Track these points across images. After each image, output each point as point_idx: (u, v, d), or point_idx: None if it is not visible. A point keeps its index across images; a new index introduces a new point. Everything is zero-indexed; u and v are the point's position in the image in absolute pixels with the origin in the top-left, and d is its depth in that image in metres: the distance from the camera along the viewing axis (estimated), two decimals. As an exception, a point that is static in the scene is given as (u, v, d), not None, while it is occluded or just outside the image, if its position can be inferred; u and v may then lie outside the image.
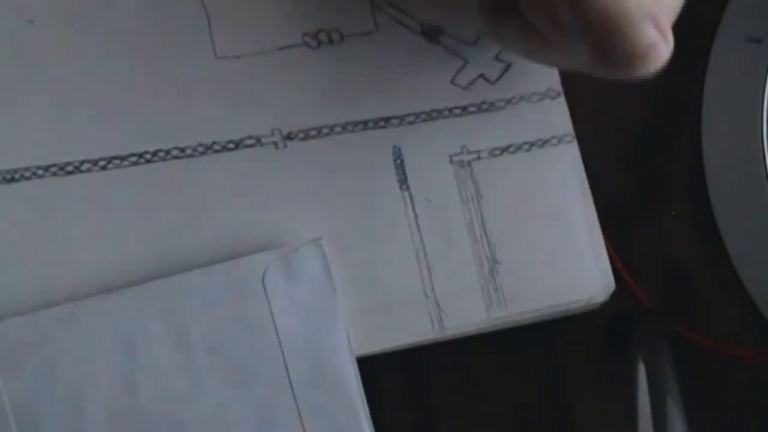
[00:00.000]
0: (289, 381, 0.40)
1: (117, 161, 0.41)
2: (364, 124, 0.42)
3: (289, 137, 0.42)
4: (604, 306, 0.43)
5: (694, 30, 0.46)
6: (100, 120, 0.41)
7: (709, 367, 0.45)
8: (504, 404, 0.43)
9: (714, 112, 0.46)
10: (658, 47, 0.34)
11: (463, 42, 0.43)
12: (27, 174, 0.40)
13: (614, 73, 0.35)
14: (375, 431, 0.40)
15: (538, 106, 0.43)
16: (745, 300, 0.45)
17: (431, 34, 0.43)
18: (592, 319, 0.44)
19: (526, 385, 0.44)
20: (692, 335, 0.44)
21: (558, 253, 0.42)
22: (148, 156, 0.41)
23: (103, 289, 0.39)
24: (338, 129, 0.42)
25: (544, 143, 0.43)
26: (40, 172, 0.40)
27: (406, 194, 0.42)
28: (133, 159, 0.41)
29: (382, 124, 0.43)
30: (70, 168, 0.40)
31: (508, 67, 0.44)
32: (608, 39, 0.34)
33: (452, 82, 0.43)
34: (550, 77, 0.44)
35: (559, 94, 0.44)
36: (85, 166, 0.40)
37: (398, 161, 0.42)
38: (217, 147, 0.41)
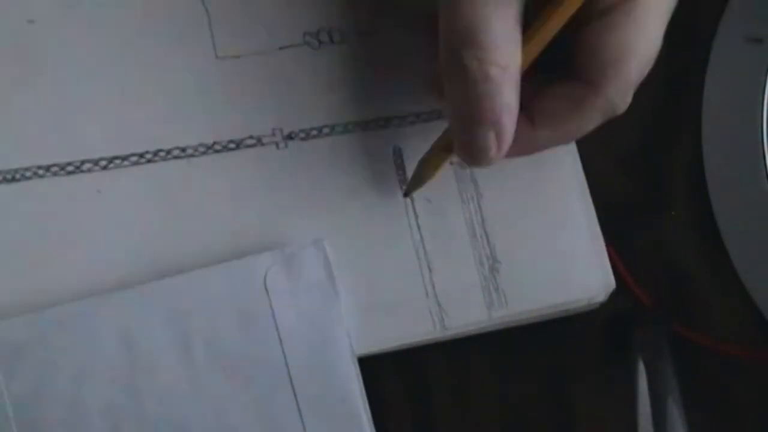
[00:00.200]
0: (290, 381, 0.40)
1: (118, 161, 0.41)
2: (365, 124, 0.43)
3: (290, 137, 0.42)
4: (604, 306, 0.43)
5: (694, 30, 0.47)
6: (101, 120, 0.41)
7: (709, 367, 0.45)
8: (504, 404, 0.43)
9: (714, 112, 0.46)
10: (488, 152, 0.37)
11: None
12: (28, 174, 0.40)
13: (459, 158, 0.39)
14: (375, 431, 0.40)
15: (538, 106, 0.43)
16: (745, 300, 0.45)
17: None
18: (592, 319, 0.44)
19: (527, 385, 0.44)
20: (692, 335, 0.44)
21: (558, 253, 0.42)
22: (149, 156, 0.41)
23: (104, 289, 0.39)
24: (339, 129, 0.42)
25: (544, 143, 0.43)
26: (41, 171, 0.40)
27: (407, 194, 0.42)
28: (134, 159, 0.41)
29: (382, 124, 0.43)
30: (71, 168, 0.40)
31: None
32: (455, 131, 0.38)
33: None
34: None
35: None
36: (86, 166, 0.40)
37: (399, 161, 0.42)
38: (218, 147, 0.41)
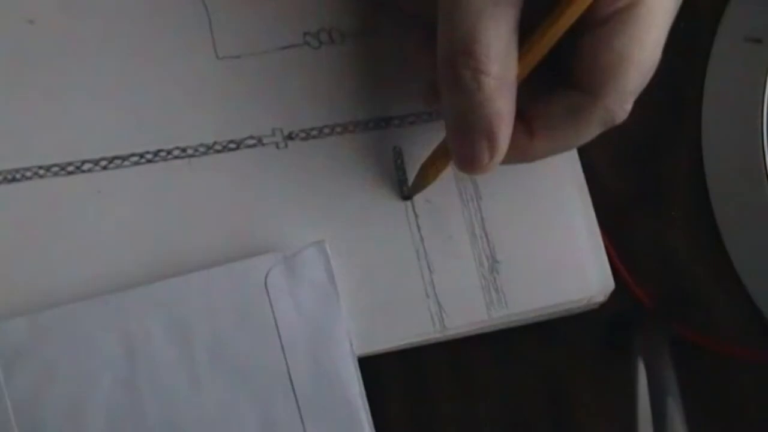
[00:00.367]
0: (291, 382, 0.40)
1: (118, 161, 0.41)
2: (365, 125, 0.43)
3: (290, 137, 0.42)
4: (604, 306, 0.43)
5: (694, 30, 0.47)
6: (101, 120, 0.41)
7: (709, 367, 0.45)
8: (504, 404, 0.43)
9: (714, 112, 0.46)
10: (481, 162, 0.38)
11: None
12: (28, 174, 0.40)
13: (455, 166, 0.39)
14: (375, 431, 0.40)
15: (538, 106, 0.43)
16: (745, 300, 0.45)
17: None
18: (592, 319, 0.44)
19: (526, 385, 0.44)
20: (692, 335, 0.44)
21: (558, 253, 0.42)
22: (149, 156, 0.41)
23: (104, 290, 0.39)
24: (339, 129, 0.42)
25: (544, 143, 0.43)
26: (41, 172, 0.40)
27: (407, 195, 0.42)
28: (135, 159, 0.41)
29: (383, 124, 0.43)
30: (71, 168, 0.40)
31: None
32: (449, 139, 0.38)
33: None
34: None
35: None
36: (86, 166, 0.40)
37: (399, 161, 0.42)
38: (218, 147, 0.41)
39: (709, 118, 0.46)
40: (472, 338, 0.42)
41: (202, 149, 0.41)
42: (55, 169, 0.40)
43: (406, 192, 0.42)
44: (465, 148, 0.38)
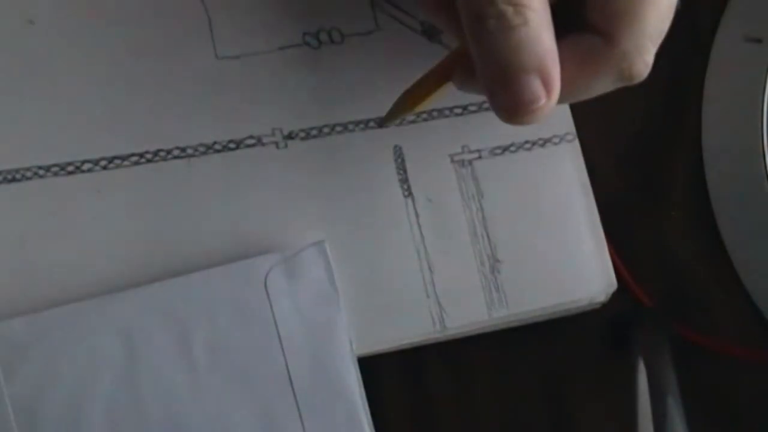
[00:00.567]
0: (290, 382, 0.39)
1: (118, 161, 0.41)
2: (365, 124, 0.43)
3: (290, 137, 0.42)
4: (605, 306, 0.43)
5: (694, 30, 0.47)
6: (101, 120, 0.41)
7: (709, 367, 0.45)
8: (504, 404, 0.43)
9: (714, 112, 0.46)
10: (538, 103, 0.35)
11: (463, 41, 0.43)
12: (28, 174, 0.40)
13: (498, 116, 0.36)
14: (375, 431, 0.40)
15: (538, 105, 0.43)
16: (745, 300, 0.45)
17: (432, 32, 0.43)
18: (592, 319, 0.44)
19: (527, 385, 0.44)
20: (692, 335, 0.44)
21: (560, 253, 0.42)
22: (149, 156, 0.41)
23: (104, 290, 0.39)
24: (339, 128, 0.42)
25: (545, 142, 0.43)
26: (41, 172, 0.40)
27: (407, 194, 0.42)
28: (135, 159, 0.41)
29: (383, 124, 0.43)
30: (71, 168, 0.40)
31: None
32: (495, 84, 0.35)
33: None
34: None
35: (559, 93, 0.44)
36: (86, 166, 0.40)
37: (399, 160, 0.42)
38: (218, 147, 0.41)
39: (709, 118, 0.46)
40: (472, 338, 0.42)
41: (201, 149, 0.41)
42: (55, 169, 0.40)
43: (381, 119, 0.41)
44: (518, 92, 0.35)
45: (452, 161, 0.43)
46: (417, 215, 0.42)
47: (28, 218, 0.40)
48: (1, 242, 0.39)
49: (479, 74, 0.36)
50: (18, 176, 0.40)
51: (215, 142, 0.41)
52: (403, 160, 0.42)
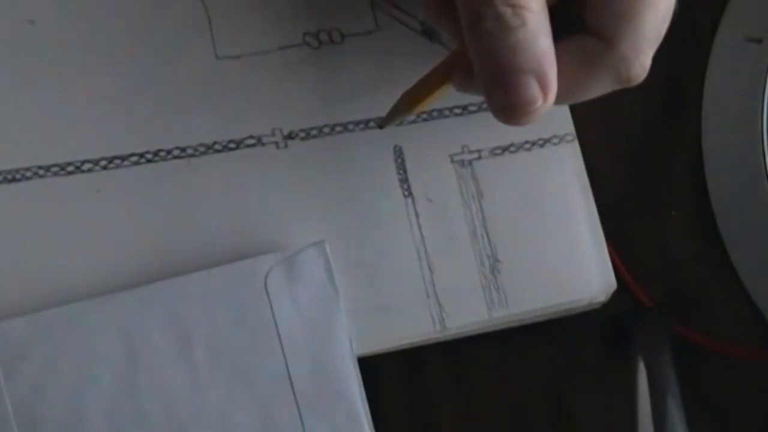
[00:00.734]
0: (290, 382, 0.39)
1: (118, 161, 0.41)
2: (365, 124, 0.43)
3: (290, 137, 0.42)
4: (605, 306, 0.43)
5: (694, 30, 0.47)
6: (101, 120, 0.41)
7: (709, 367, 0.45)
8: (504, 404, 0.43)
9: (714, 112, 0.46)
10: (535, 104, 0.35)
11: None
12: (28, 174, 0.40)
13: (495, 116, 0.36)
14: (375, 431, 0.40)
15: (538, 105, 0.43)
16: (745, 300, 0.45)
17: (432, 32, 0.43)
18: (592, 319, 0.44)
19: (527, 384, 0.44)
20: (692, 335, 0.44)
21: (559, 253, 0.42)
22: (149, 156, 0.41)
23: (104, 290, 0.39)
24: (339, 128, 0.42)
25: (545, 142, 0.43)
26: (41, 172, 0.40)
27: (407, 193, 0.42)
28: (135, 159, 0.41)
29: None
30: (71, 168, 0.40)
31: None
32: (492, 84, 0.35)
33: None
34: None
35: (559, 93, 0.44)
36: (86, 166, 0.40)
37: (399, 161, 0.42)
38: (218, 147, 0.41)
39: (709, 118, 0.46)
40: (472, 338, 0.42)
41: (201, 149, 0.41)
42: (55, 169, 0.40)
43: (380, 121, 0.41)
44: (514, 94, 0.35)
45: (452, 161, 0.43)
46: (417, 215, 0.42)
47: (28, 218, 0.40)
48: (1, 242, 0.39)
49: (477, 75, 0.36)
50: (18, 176, 0.40)
51: (215, 142, 0.41)
52: (403, 160, 0.42)
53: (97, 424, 0.38)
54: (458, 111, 0.43)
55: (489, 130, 0.43)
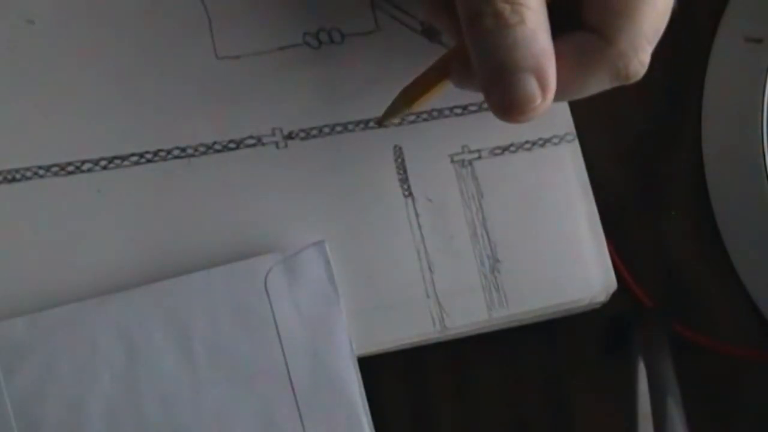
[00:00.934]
0: (290, 382, 0.39)
1: (118, 161, 0.41)
2: (365, 124, 0.43)
3: (290, 137, 0.42)
4: (604, 306, 0.43)
5: (694, 30, 0.47)
6: (101, 120, 0.41)
7: (709, 367, 0.45)
8: (504, 404, 0.43)
9: (714, 112, 0.46)
10: (534, 102, 0.35)
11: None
12: (28, 174, 0.40)
13: (495, 114, 0.36)
14: (375, 431, 0.40)
15: (538, 105, 0.43)
16: (745, 300, 0.45)
17: (432, 32, 0.43)
18: (592, 319, 0.44)
19: (526, 384, 0.44)
20: (692, 335, 0.44)
21: (560, 252, 0.42)
22: (149, 156, 0.41)
23: (104, 290, 0.39)
24: (339, 128, 0.42)
25: (545, 142, 0.43)
26: (41, 172, 0.40)
27: (408, 193, 0.42)
28: (135, 159, 0.41)
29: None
30: (71, 168, 0.40)
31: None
32: (491, 82, 0.35)
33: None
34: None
35: (560, 94, 0.44)
36: (86, 166, 0.40)
37: (399, 160, 0.42)
38: (218, 147, 0.41)
39: (709, 118, 0.46)
40: (472, 338, 0.42)
41: (201, 149, 0.41)
42: (55, 169, 0.40)
43: (379, 118, 0.41)
44: (513, 91, 0.35)
45: (452, 161, 0.43)
46: (417, 215, 0.42)
47: (28, 218, 0.40)
48: (1, 242, 0.39)
49: (476, 72, 0.36)
50: (18, 176, 0.40)
51: (215, 142, 0.41)
52: (403, 160, 0.42)
53: (97, 424, 0.38)
54: (458, 111, 0.43)
55: (489, 130, 0.43)
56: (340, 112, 0.42)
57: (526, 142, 0.43)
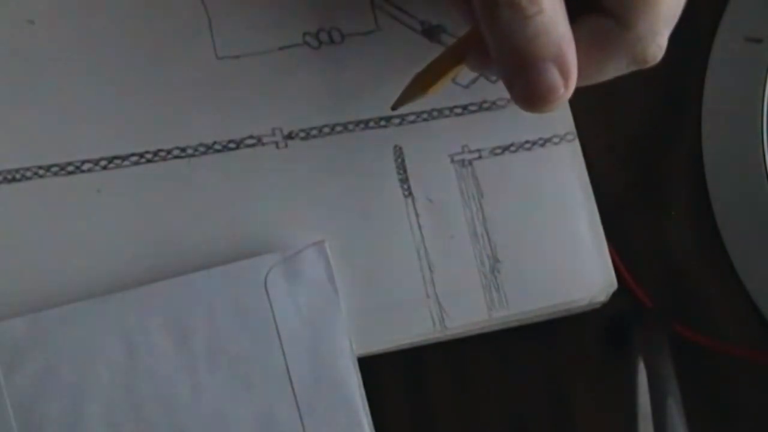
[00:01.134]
0: (290, 382, 0.39)
1: (118, 161, 0.41)
2: (365, 124, 0.43)
3: (290, 137, 0.42)
4: (604, 306, 0.43)
5: (694, 30, 0.47)
6: (101, 120, 0.41)
7: (709, 367, 0.45)
8: (504, 404, 0.43)
9: (714, 112, 0.46)
10: (556, 92, 0.34)
11: (463, 41, 0.43)
12: (28, 174, 0.40)
13: (517, 104, 0.36)
14: (375, 431, 0.40)
15: (539, 105, 0.43)
16: (745, 300, 0.45)
17: (432, 32, 0.43)
18: (592, 319, 0.44)
19: (526, 384, 0.44)
20: (692, 335, 0.44)
21: (559, 253, 0.42)
22: (149, 156, 0.41)
23: (104, 290, 0.39)
24: (339, 128, 0.42)
25: (545, 142, 0.43)
26: (41, 172, 0.40)
27: (407, 193, 0.42)
28: (134, 159, 0.41)
29: (383, 123, 0.43)
30: (71, 168, 0.40)
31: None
32: (512, 74, 0.35)
33: (453, 81, 0.43)
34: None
35: (560, 93, 0.44)
36: (86, 166, 0.40)
37: (399, 160, 0.42)
38: (218, 147, 0.41)
39: (709, 118, 0.46)
40: (472, 338, 0.42)
41: (201, 149, 0.41)
42: (55, 169, 0.40)
43: (393, 103, 0.41)
44: (535, 82, 0.34)
45: (452, 161, 0.43)
46: (417, 215, 0.42)
47: (28, 218, 0.40)
48: (1, 242, 0.39)
49: (495, 63, 0.36)
50: (18, 176, 0.40)
51: (215, 142, 0.41)
52: (403, 160, 0.42)
53: (97, 424, 0.38)
54: (458, 111, 0.43)
55: (489, 130, 0.43)
56: (340, 112, 0.42)
57: (527, 141, 0.43)
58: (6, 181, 0.40)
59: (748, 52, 0.46)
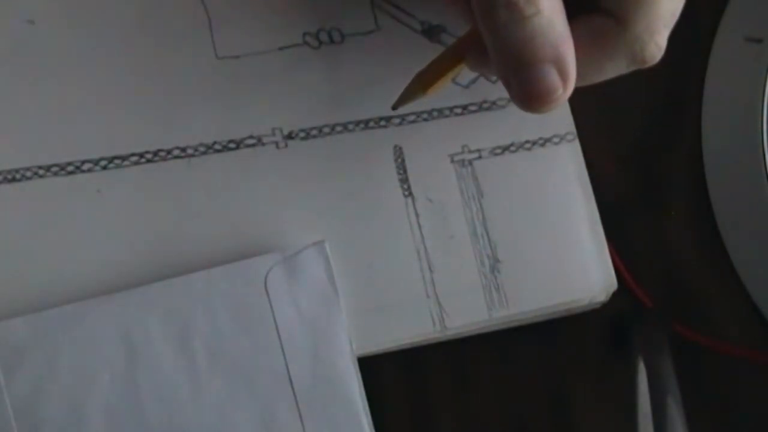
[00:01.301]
0: (290, 382, 0.39)
1: (118, 161, 0.41)
2: (365, 124, 0.43)
3: (290, 137, 0.42)
4: (604, 306, 0.43)
5: (694, 30, 0.47)
6: (101, 120, 0.41)
7: (709, 367, 0.45)
8: (504, 404, 0.43)
9: (714, 112, 0.46)
10: (555, 92, 0.34)
11: (463, 41, 0.43)
12: (28, 174, 0.40)
13: (516, 105, 0.36)
14: (375, 431, 0.40)
15: (539, 104, 0.43)
16: (745, 300, 0.45)
17: (432, 32, 0.43)
18: (592, 319, 0.44)
19: (526, 384, 0.44)
20: (692, 335, 0.44)
21: (560, 252, 0.42)
22: (149, 156, 0.41)
23: (104, 290, 0.39)
24: (339, 128, 0.42)
25: (545, 142, 0.43)
26: (41, 172, 0.40)
27: (407, 193, 0.42)
28: (135, 159, 0.41)
29: (383, 123, 0.43)
30: (71, 168, 0.40)
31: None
32: (510, 74, 0.35)
33: (453, 80, 0.43)
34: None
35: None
36: (86, 166, 0.40)
37: (399, 160, 0.42)
38: (218, 147, 0.41)
39: (709, 118, 0.46)
40: (472, 338, 0.42)
41: (201, 149, 0.41)
42: (55, 169, 0.40)
43: (394, 103, 0.41)
44: (534, 83, 0.34)
45: (452, 161, 0.43)
46: (417, 215, 0.42)
47: (28, 218, 0.40)
48: (1, 242, 0.39)
49: (494, 64, 0.36)
50: (18, 176, 0.40)
51: (215, 142, 0.41)
52: (403, 160, 0.42)
53: (97, 424, 0.38)
54: (458, 111, 0.43)
55: (489, 130, 0.43)
56: (340, 112, 0.42)
57: (527, 141, 0.43)
58: (6, 181, 0.40)
59: (748, 52, 0.46)
